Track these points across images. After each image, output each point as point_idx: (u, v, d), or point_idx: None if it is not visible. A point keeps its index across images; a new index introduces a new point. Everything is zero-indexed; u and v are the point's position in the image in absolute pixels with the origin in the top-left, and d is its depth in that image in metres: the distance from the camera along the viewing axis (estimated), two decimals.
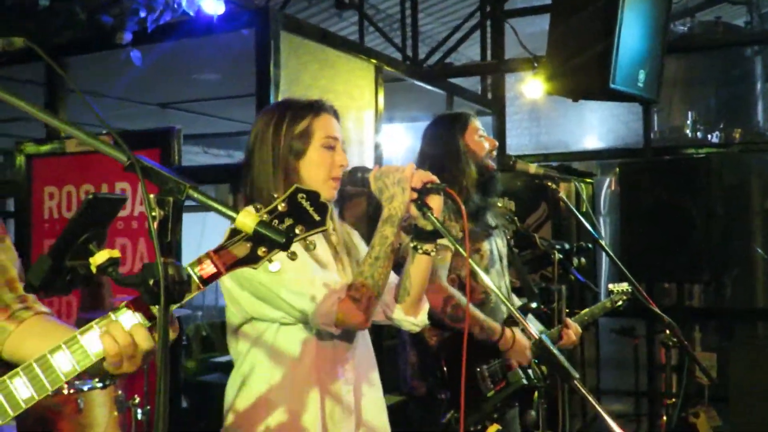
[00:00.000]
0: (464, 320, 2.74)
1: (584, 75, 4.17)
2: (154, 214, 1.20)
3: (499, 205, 3.83)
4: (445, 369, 2.73)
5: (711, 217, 5.06)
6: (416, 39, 5.89)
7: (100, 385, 2.83)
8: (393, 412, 2.28)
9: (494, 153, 3.03)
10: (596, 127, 7.29)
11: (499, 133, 6.75)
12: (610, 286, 3.38)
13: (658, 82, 4.31)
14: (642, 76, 4.21)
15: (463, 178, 2.90)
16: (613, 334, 5.65)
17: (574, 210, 3.18)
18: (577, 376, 1.68)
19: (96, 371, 1.37)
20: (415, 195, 2.01)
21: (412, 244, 2.09)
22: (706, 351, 5.46)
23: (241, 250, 1.32)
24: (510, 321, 3.00)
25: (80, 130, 1.26)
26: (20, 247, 4.62)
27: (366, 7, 6.04)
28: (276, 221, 1.33)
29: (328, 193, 2.07)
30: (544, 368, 2.80)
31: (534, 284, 4.96)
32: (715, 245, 5.04)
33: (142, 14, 4.27)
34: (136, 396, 3.31)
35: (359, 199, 4.62)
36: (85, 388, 2.86)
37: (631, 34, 4.01)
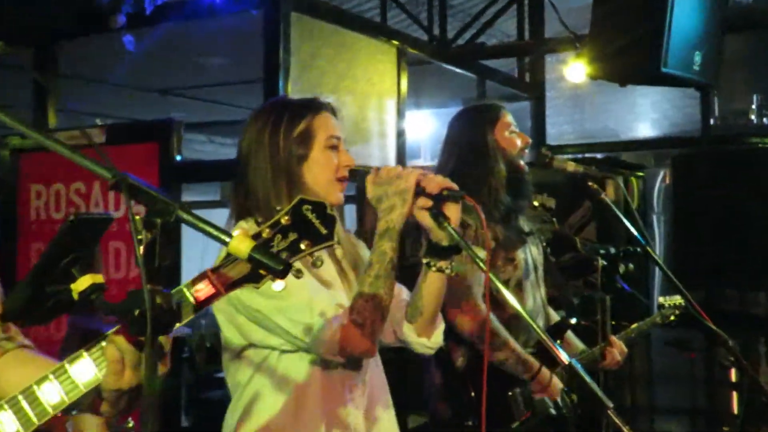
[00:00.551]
0: (502, 349, 2.75)
1: (632, 57, 4.15)
2: (140, 237, 1.23)
3: (536, 204, 3.83)
4: (472, 393, 2.74)
5: None
6: (444, 16, 5.87)
7: None
8: None
9: (526, 151, 3.03)
10: (648, 112, 7.22)
11: (538, 120, 6.73)
12: (660, 299, 3.37)
13: (717, 65, 4.27)
14: (698, 57, 4.17)
15: (491, 178, 2.91)
16: (667, 347, 5.62)
17: (618, 213, 3.16)
18: (611, 405, 1.68)
19: (85, 405, 1.40)
20: (429, 203, 2.02)
21: (424, 261, 2.11)
22: None
23: (242, 269, 1.35)
24: (553, 331, 3.00)
25: (59, 143, 1.29)
26: (5, 252, 4.71)
27: None
28: (279, 236, 1.35)
29: (335, 196, 2.10)
30: (574, 396, 2.81)
31: (576, 292, 4.97)
32: None
33: None
34: (130, 419, 3.36)
35: None
36: (75, 411, 2.90)
37: (685, 11, 3.97)
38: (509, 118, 3.05)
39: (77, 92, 6.34)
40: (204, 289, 1.34)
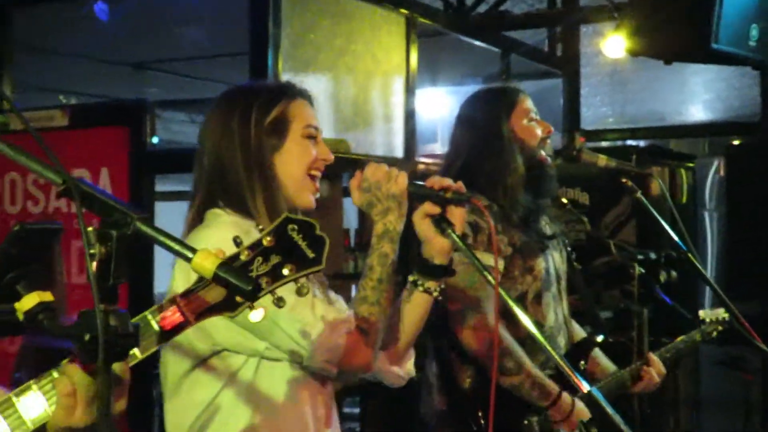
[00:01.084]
0: (516, 372, 2.79)
1: (678, 31, 4.17)
2: (93, 251, 1.27)
3: (564, 201, 3.86)
4: (482, 420, 2.78)
5: None
6: None
7: None
8: None
9: (549, 141, 3.05)
10: (700, 93, 7.20)
11: (571, 101, 6.76)
12: (701, 313, 3.39)
13: None
14: (754, 32, 4.19)
15: (507, 175, 2.92)
16: (719, 367, 5.63)
17: (656, 215, 3.19)
18: None
19: None
20: (436, 209, 2.06)
21: (411, 279, 2.14)
22: None
23: (216, 294, 1.38)
24: (576, 351, 3.03)
25: (6, 144, 1.33)
26: None
27: None
28: (259, 259, 1.37)
29: (305, 198, 2.13)
30: (594, 430, 2.84)
31: (611, 304, 5.00)
32: None
33: None
34: None
35: None
36: None
37: None
38: (528, 103, 3.07)
39: (37, 65, 6.39)
40: (171, 317, 1.37)
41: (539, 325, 2.89)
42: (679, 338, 3.36)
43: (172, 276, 2.01)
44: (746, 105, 6.65)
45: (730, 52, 4.09)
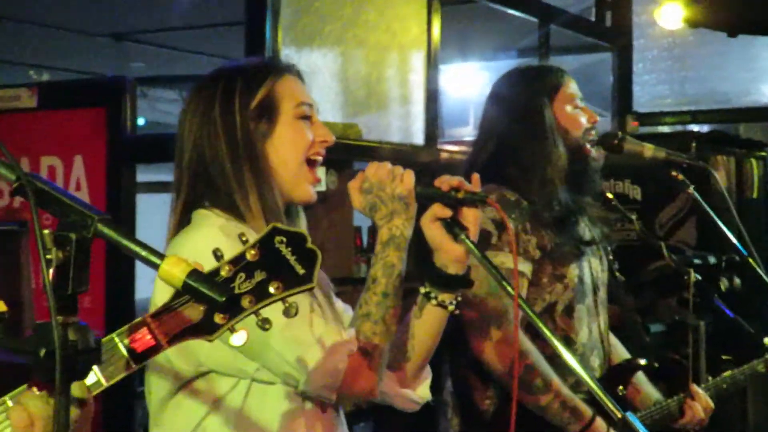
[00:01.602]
0: (544, 392, 2.81)
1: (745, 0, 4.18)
2: (49, 256, 1.30)
3: (609, 196, 3.87)
4: None
5: None
6: None
7: None
8: None
9: (594, 132, 3.07)
10: None
11: (622, 79, 6.76)
12: (767, 339, 3.40)
13: None
14: None
15: (546, 166, 2.94)
16: None
17: (712, 213, 3.21)
18: None
19: None
20: (447, 212, 2.09)
21: (424, 290, 2.17)
22: None
23: (192, 313, 1.41)
24: (615, 375, 3.04)
25: None
26: None
27: None
28: (242, 275, 1.40)
29: (303, 190, 2.17)
30: None
31: (667, 315, 5.00)
32: None
33: None
34: None
35: None
36: None
37: None
38: (573, 87, 3.09)
39: (3, 37, 6.46)
40: (141, 340, 1.40)
41: (569, 341, 2.92)
42: (740, 368, 3.36)
43: (154, 286, 2.03)
44: None
45: None
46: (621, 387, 2.98)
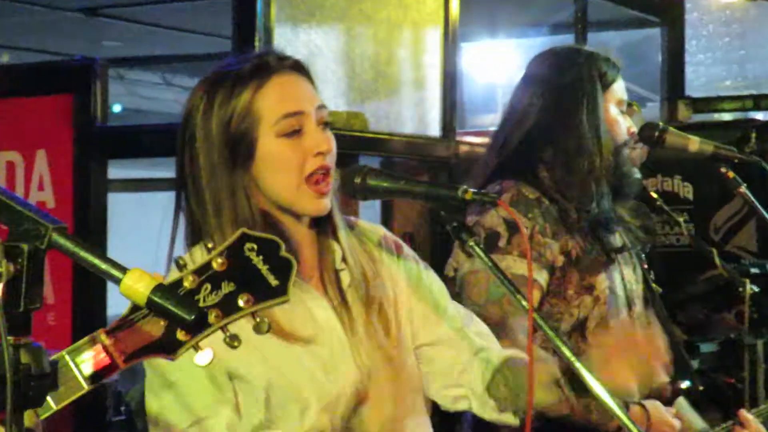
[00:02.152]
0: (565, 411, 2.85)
1: None
2: (0, 269, 1.35)
3: (654, 195, 3.90)
4: None
5: None
6: None
7: None
8: None
9: (639, 150, 3.14)
10: None
11: (674, 59, 6.75)
12: None
13: None
14: None
15: (596, 162, 2.99)
16: None
17: (766, 216, 3.24)
18: None
19: None
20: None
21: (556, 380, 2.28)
22: None
23: (152, 329, 1.44)
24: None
25: None
26: None
27: None
28: (207, 286, 1.44)
29: (307, 205, 2.18)
30: None
31: (722, 331, 5.01)
32: None
33: None
34: None
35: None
36: None
37: None
38: (622, 87, 3.14)
39: None
40: (94, 359, 1.44)
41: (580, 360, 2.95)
42: None
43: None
44: None
45: None
46: None
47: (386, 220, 5.48)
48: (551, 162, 3.02)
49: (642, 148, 3.14)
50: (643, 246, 3.21)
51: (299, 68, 2.26)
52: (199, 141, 2.18)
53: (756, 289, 4.14)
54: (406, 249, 2.43)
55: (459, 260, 2.91)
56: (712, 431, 3.13)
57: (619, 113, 3.09)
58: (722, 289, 4.51)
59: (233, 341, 1.45)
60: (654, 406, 2.93)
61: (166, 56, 9.19)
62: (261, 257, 1.47)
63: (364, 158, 4.65)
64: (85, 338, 1.47)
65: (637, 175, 3.13)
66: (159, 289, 1.37)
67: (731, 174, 3.29)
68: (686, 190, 5.52)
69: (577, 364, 2.05)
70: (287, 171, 2.16)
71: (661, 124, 3.25)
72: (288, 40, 4.41)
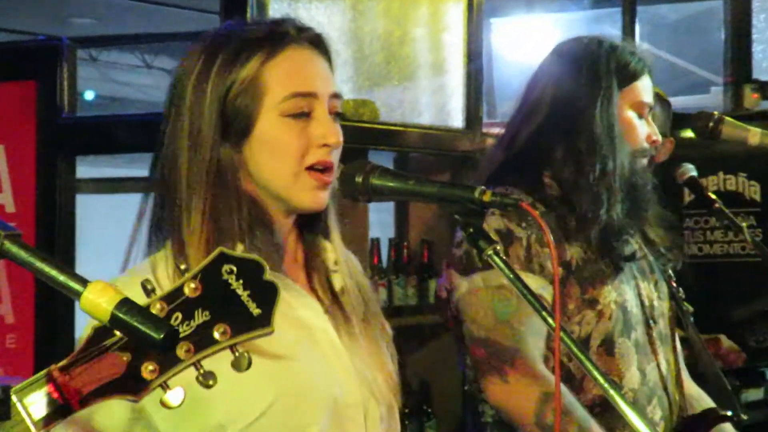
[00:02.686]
0: None
1: None
2: None
3: (713, 196, 3.91)
4: None
5: None
6: None
7: None
8: None
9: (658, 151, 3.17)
10: None
11: (739, 35, 6.74)
12: None
13: None
14: None
15: (605, 173, 3.03)
16: None
17: None
18: None
19: None
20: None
21: None
22: None
23: (113, 365, 1.44)
24: (689, 427, 3.11)
25: None
26: None
27: None
28: (178, 315, 1.44)
29: (309, 195, 2.17)
30: None
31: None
32: None
33: None
34: None
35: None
36: None
37: None
38: (648, 89, 3.17)
39: None
40: (46, 400, 1.44)
41: (615, 386, 2.98)
42: None
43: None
44: None
45: None
46: None
47: (400, 225, 5.49)
48: (561, 162, 3.05)
49: (663, 145, 3.17)
50: (669, 261, 3.23)
51: (319, 44, 2.25)
52: (187, 104, 2.16)
53: None
54: None
55: (453, 280, 2.95)
56: None
57: (637, 116, 3.12)
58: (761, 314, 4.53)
59: (207, 379, 1.44)
60: None
61: (146, 35, 9.18)
62: (241, 281, 1.47)
63: (373, 154, 4.62)
64: (38, 374, 1.45)
65: (652, 192, 3.16)
66: (125, 304, 1.36)
67: None
68: (752, 190, 5.52)
69: (611, 391, 2.06)
70: (285, 157, 2.16)
71: (716, 113, 3.27)
72: (285, 16, 4.41)
